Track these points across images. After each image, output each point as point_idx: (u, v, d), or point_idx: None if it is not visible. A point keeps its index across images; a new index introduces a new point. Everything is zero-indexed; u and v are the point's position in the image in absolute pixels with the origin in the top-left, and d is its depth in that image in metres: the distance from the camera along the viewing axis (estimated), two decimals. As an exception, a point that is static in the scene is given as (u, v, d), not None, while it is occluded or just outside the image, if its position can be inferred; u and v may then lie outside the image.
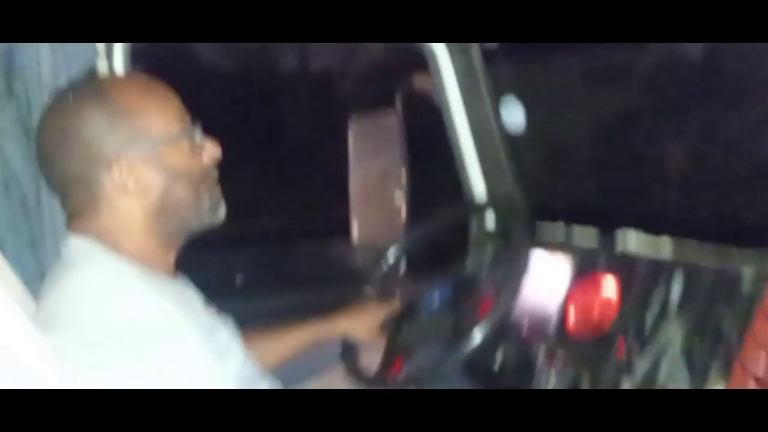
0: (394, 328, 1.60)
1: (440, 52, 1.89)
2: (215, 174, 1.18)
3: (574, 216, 1.69)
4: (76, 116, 1.07)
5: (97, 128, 1.06)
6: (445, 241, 1.78)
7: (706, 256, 1.32)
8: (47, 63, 1.17)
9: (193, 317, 1.08)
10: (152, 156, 1.09)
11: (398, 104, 2.40)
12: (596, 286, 1.45)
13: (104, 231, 1.09)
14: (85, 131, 1.06)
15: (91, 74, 1.22)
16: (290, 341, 1.55)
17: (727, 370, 1.17)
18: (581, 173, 2.05)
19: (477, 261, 1.80)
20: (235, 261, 2.70)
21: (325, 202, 2.99)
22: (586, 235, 1.61)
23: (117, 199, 1.09)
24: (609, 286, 1.43)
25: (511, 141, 1.93)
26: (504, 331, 1.46)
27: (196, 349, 1.04)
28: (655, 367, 1.28)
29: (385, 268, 1.68)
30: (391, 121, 2.35)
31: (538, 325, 1.55)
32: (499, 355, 1.60)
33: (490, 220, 1.91)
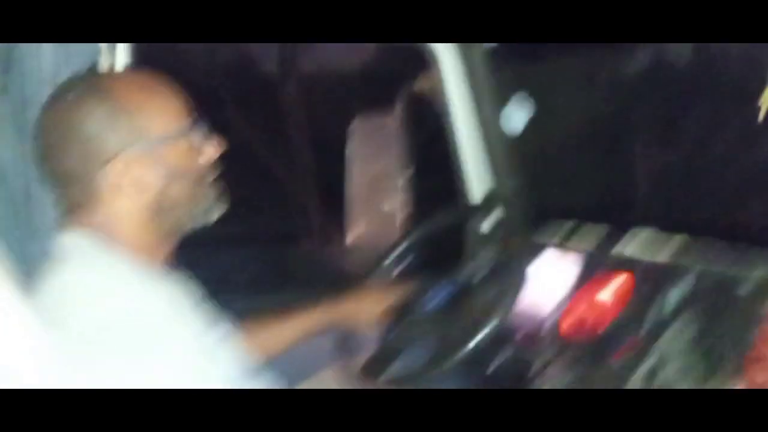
0: (387, 326, 1.60)
1: (443, 52, 1.90)
2: (214, 174, 1.18)
3: (574, 217, 1.69)
4: (75, 112, 1.07)
5: (96, 125, 1.07)
6: (443, 243, 1.78)
7: (711, 258, 1.31)
8: (48, 59, 1.16)
9: (185, 313, 1.08)
10: (150, 154, 1.09)
11: (399, 107, 2.40)
12: (594, 287, 1.45)
13: (100, 227, 1.10)
14: (84, 127, 1.07)
15: (92, 70, 1.22)
16: (295, 326, 1.56)
17: (735, 372, 1.16)
18: (581, 173, 2.06)
19: (475, 263, 1.80)
20: (232, 260, 2.70)
21: (322, 203, 3.00)
22: (584, 237, 1.61)
23: (113, 196, 1.09)
24: (606, 288, 1.44)
25: (513, 141, 1.94)
26: (500, 333, 1.46)
27: (187, 345, 1.04)
28: (655, 368, 1.28)
29: (382, 268, 1.68)
30: (392, 124, 2.35)
31: (534, 327, 1.55)
32: (493, 357, 1.61)
33: (489, 222, 1.92)
